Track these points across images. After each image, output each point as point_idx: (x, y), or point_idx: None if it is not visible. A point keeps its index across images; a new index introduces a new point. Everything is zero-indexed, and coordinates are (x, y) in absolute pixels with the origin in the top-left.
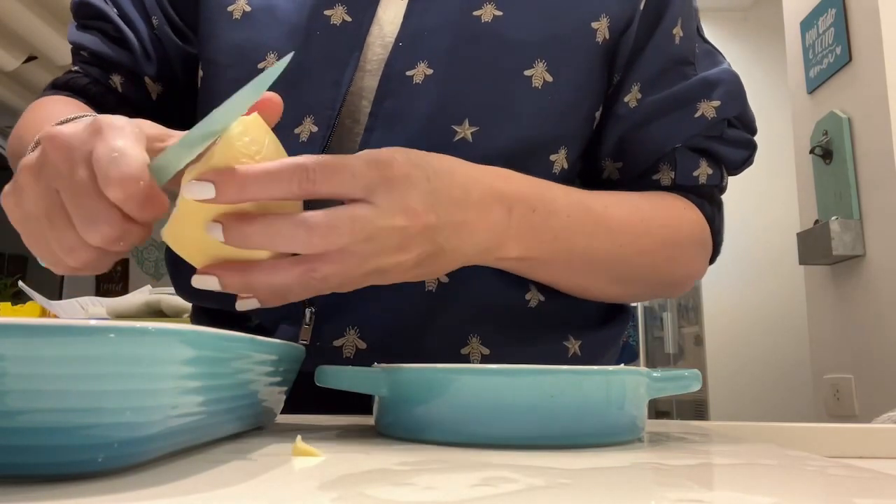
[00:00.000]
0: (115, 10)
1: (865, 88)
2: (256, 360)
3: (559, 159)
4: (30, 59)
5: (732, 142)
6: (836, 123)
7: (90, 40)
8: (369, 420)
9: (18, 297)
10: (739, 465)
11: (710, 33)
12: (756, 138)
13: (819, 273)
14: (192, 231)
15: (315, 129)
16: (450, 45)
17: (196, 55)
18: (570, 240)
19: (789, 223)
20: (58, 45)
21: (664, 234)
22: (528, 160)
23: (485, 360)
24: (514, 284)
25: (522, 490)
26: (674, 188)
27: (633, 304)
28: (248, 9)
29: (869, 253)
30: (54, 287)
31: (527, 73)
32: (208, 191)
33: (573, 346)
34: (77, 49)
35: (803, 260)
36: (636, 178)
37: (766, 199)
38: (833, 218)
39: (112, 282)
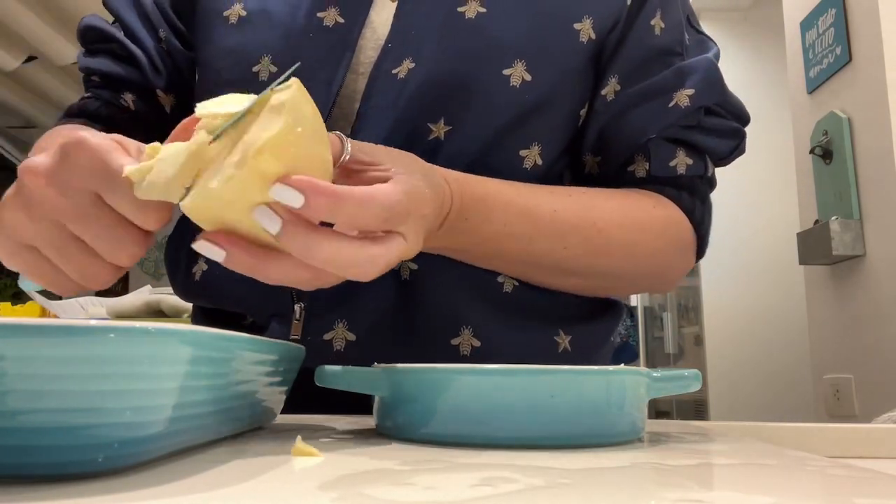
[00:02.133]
0: (122, 29)
1: (865, 88)
2: (256, 359)
3: (531, 155)
4: (30, 59)
5: (714, 131)
6: (836, 123)
7: (99, 63)
8: (369, 420)
9: (18, 297)
10: (739, 465)
11: (710, 33)
12: (756, 138)
13: (819, 273)
14: (229, 212)
15: None
16: (434, 40)
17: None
18: (500, 243)
19: (789, 223)
20: (58, 45)
21: (620, 234)
22: (497, 157)
23: (475, 352)
24: (492, 273)
25: (522, 490)
26: (650, 180)
27: (633, 304)
28: (243, 13)
29: (869, 253)
30: None
31: (505, 72)
32: (296, 199)
33: (563, 340)
34: (88, 74)
35: (803, 260)
36: (614, 172)
37: (766, 199)
38: (833, 218)
39: None
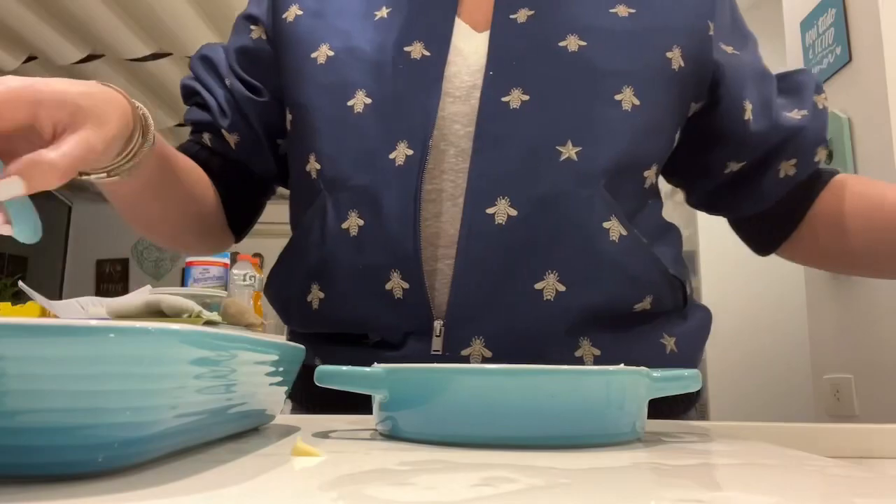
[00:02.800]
0: (199, 82)
1: (865, 88)
2: (256, 360)
3: (650, 175)
4: (30, 59)
5: None
6: (836, 123)
7: (190, 113)
8: (369, 420)
9: (18, 297)
10: (739, 465)
11: None
12: None
13: (819, 273)
14: None
15: (410, 152)
16: (542, 72)
17: (267, 103)
18: None
19: None
20: (58, 45)
21: None
22: (625, 176)
23: (596, 360)
24: (629, 293)
25: (522, 490)
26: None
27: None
28: (331, 53)
29: None
30: (54, 287)
31: (617, 97)
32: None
33: (669, 342)
34: (187, 123)
35: None
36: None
37: None
38: None
39: (112, 282)
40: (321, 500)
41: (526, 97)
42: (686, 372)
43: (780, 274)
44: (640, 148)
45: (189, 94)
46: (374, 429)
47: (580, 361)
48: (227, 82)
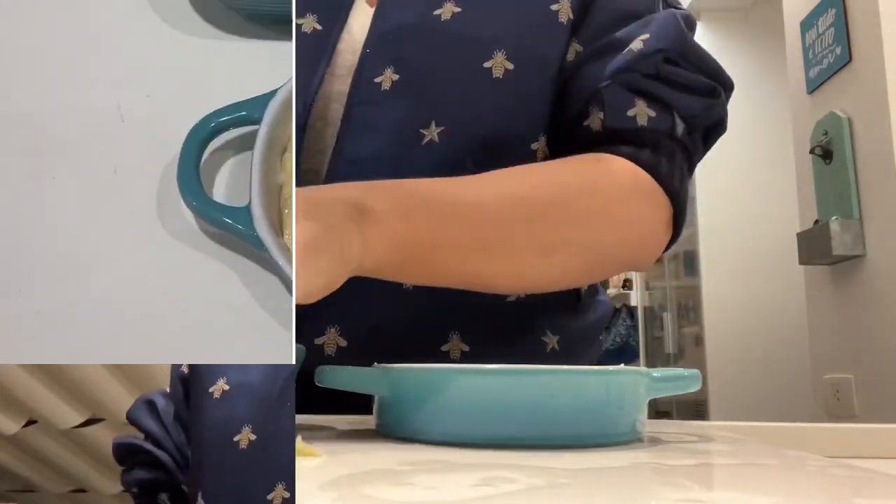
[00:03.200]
0: (146, 437)
1: (865, 88)
2: None
3: (541, 147)
4: (30, 423)
5: (679, 84)
6: (836, 123)
7: (134, 475)
8: (369, 420)
9: None
10: (739, 465)
11: (710, 33)
12: (756, 138)
13: (819, 273)
14: None
15: None
16: (412, 48)
17: None
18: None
19: (789, 223)
20: (59, 409)
21: (570, 185)
22: (503, 153)
23: (465, 356)
24: None
25: (522, 490)
26: (607, 134)
27: (633, 304)
28: None
29: (869, 253)
30: None
31: (486, 65)
32: None
33: (551, 341)
34: (129, 488)
35: (803, 260)
36: (568, 128)
37: (766, 199)
38: (833, 218)
39: None
40: (321, 500)
41: (396, 77)
42: (686, 372)
43: (780, 274)
44: (517, 118)
45: (129, 454)
46: (374, 429)
47: (446, 356)
48: (175, 435)
